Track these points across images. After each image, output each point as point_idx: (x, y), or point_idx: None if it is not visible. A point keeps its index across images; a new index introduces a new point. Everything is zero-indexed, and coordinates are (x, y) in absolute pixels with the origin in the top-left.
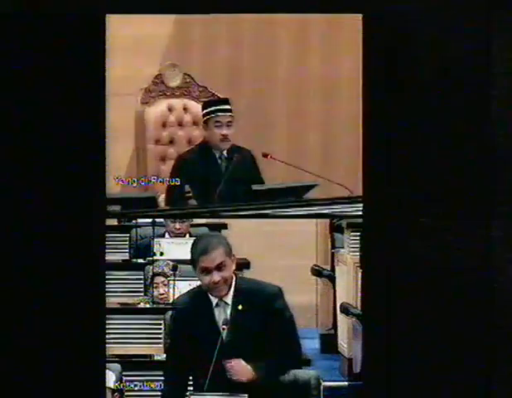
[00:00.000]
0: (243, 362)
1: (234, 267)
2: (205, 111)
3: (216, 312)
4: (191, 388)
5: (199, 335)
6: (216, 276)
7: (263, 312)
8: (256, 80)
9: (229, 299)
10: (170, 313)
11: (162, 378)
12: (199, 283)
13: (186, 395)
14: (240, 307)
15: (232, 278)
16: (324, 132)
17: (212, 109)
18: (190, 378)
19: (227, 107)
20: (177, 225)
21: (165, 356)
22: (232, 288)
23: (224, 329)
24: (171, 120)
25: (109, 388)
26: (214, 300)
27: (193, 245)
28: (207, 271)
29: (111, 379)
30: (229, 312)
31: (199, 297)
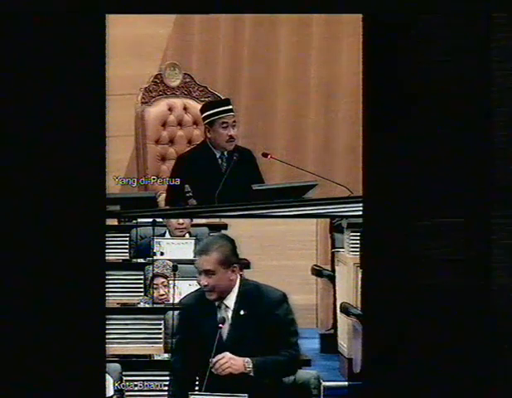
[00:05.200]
0: (229, 355)
1: (230, 277)
2: (209, 112)
3: (218, 313)
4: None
5: (202, 335)
6: (203, 280)
7: (265, 317)
8: (256, 80)
9: (229, 302)
10: (170, 313)
11: (167, 378)
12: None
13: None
14: (242, 312)
15: (226, 285)
16: (324, 132)
17: (218, 110)
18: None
19: (231, 107)
20: (180, 220)
21: (169, 355)
22: (235, 292)
23: (220, 327)
24: (171, 120)
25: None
26: (217, 302)
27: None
28: (199, 272)
29: (109, 386)
30: (230, 315)
31: (204, 297)
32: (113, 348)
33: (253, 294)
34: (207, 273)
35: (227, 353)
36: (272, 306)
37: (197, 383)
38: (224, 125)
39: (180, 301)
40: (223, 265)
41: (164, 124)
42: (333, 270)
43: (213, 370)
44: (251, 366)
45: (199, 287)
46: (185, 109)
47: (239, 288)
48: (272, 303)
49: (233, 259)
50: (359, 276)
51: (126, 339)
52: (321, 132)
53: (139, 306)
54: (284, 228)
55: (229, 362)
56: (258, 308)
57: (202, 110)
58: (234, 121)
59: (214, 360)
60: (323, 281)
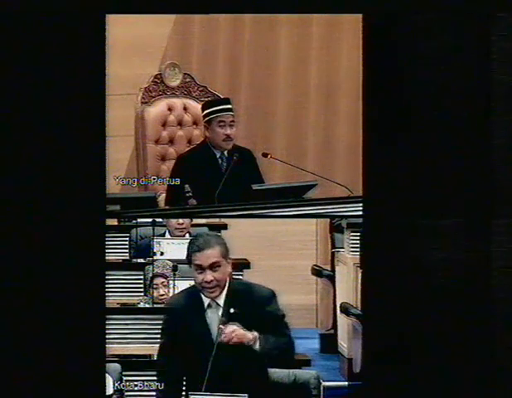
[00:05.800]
0: (236, 327)
1: (229, 270)
2: (207, 111)
3: (208, 313)
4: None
5: (191, 335)
6: (209, 275)
7: (255, 315)
8: (256, 80)
9: (221, 301)
10: None
11: (158, 377)
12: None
13: (185, 396)
14: (232, 310)
15: (226, 280)
16: (324, 132)
17: (215, 108)
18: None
19: (229, 106)
20: (180, 220)
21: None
22: (225, 291)
23: (221, 328)
24: (171, 120)
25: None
26: (207, 301)
27: (190, 241)
28: (201, 269)
29: (109, 386)
30: (220, 313)
31: (192, 297)
32: (113, 348)
33: (242, 292)
34: (213, 267)
35: (235, 326)
36: (262, 303)
37: (184, 383)
38: (221, 124)
39: (167, 302)
40: (224, 257)
41: (164, 124)
42: (333, 270)
43: (222, 337)
44: (257, 336)
45: (185, 287)
46: (185, 108)
47: (229, 286)
48: (262, 300)
49: (228, 253)
50: (359, 276)
51: (126, 339)
52: (321, 132)
53: (139, 306)
54: (284, 228)
55: (237, 331)
56: (248, 305)
57: (202, 109)
58: (233, 121)
59: (222, 328)
60: (323, 281)
